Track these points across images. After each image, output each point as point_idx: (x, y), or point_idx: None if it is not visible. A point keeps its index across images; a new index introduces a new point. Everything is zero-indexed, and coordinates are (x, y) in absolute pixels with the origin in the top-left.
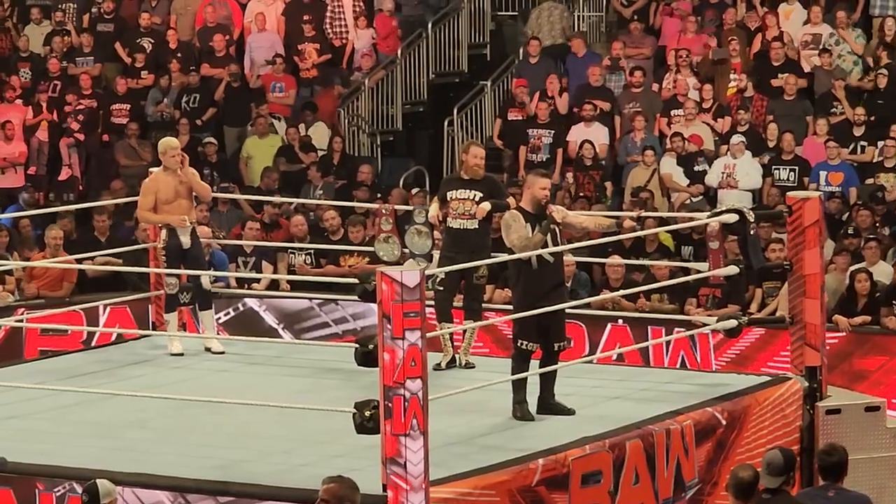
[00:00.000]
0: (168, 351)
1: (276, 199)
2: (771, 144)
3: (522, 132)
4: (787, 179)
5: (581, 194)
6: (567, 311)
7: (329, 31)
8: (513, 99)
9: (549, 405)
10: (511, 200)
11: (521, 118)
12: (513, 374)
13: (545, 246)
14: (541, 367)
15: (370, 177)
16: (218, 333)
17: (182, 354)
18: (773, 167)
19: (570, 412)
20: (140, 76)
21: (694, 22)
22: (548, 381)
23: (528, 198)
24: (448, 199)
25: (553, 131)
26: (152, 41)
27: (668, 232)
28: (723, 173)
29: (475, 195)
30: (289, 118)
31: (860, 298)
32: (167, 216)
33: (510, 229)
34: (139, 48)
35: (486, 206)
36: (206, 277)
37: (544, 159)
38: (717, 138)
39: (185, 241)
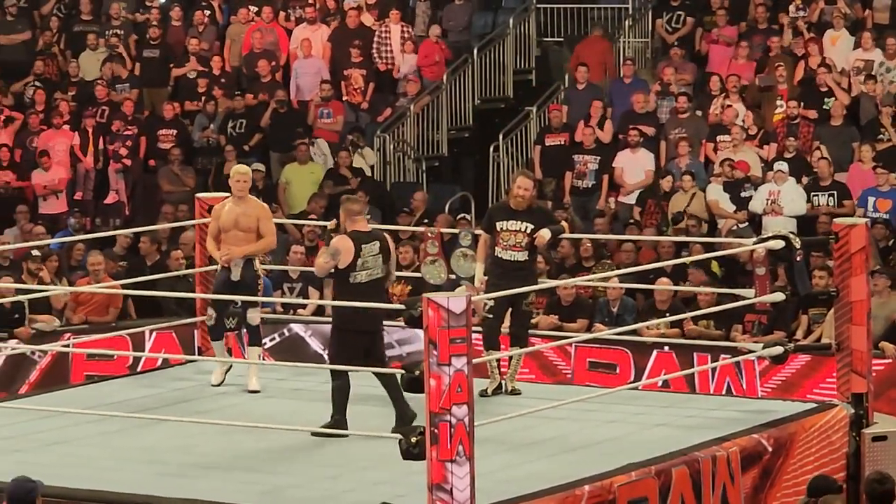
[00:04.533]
0: (210, 382)
1: (321, 222)
2: (818, 171)
3: (563, 158)
4: (826, 204)
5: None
6: (612, 337)
7: (376, 56)
8: (549, 124)
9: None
10: (564, 224)
11: (560, 143)
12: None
13: None
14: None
15: (423, 204)
16: (263, 359)
17: (223, 383)
18: (812, 193)
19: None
20: (187, 101)
21: (746, 48)
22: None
23: None
24: (497, 228)
25: (599, 157)
26: (200, 67)
27: (715, 259)
28: (767, 200)
29: (526, 227)
30: (336, 144)
31: None
32: (213, 249)
33: None
34: (186, 73)
35: (546, 233)
36: (254, 313)
37: (590, 185)
38: (763, 165)
39: (235, 274)
